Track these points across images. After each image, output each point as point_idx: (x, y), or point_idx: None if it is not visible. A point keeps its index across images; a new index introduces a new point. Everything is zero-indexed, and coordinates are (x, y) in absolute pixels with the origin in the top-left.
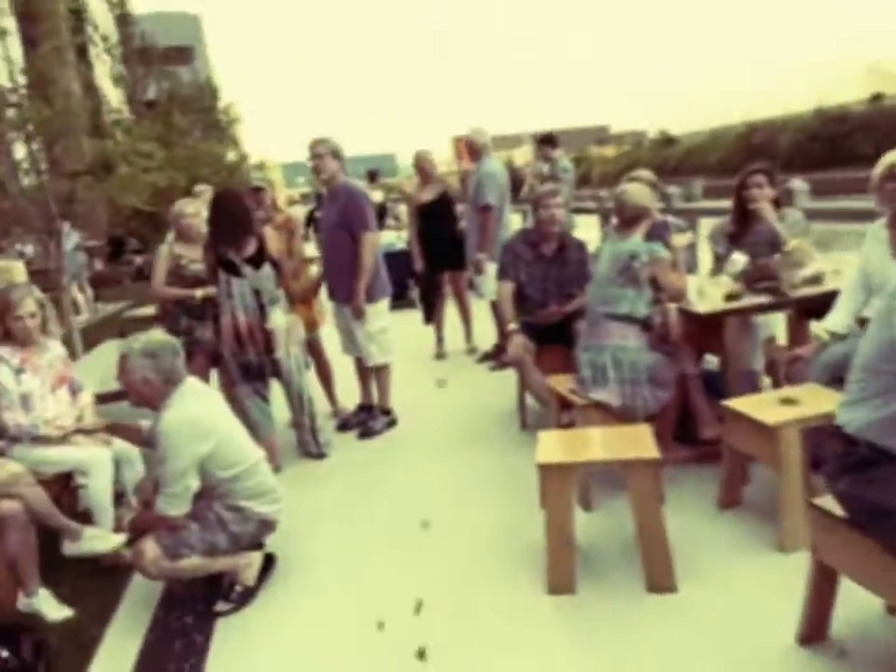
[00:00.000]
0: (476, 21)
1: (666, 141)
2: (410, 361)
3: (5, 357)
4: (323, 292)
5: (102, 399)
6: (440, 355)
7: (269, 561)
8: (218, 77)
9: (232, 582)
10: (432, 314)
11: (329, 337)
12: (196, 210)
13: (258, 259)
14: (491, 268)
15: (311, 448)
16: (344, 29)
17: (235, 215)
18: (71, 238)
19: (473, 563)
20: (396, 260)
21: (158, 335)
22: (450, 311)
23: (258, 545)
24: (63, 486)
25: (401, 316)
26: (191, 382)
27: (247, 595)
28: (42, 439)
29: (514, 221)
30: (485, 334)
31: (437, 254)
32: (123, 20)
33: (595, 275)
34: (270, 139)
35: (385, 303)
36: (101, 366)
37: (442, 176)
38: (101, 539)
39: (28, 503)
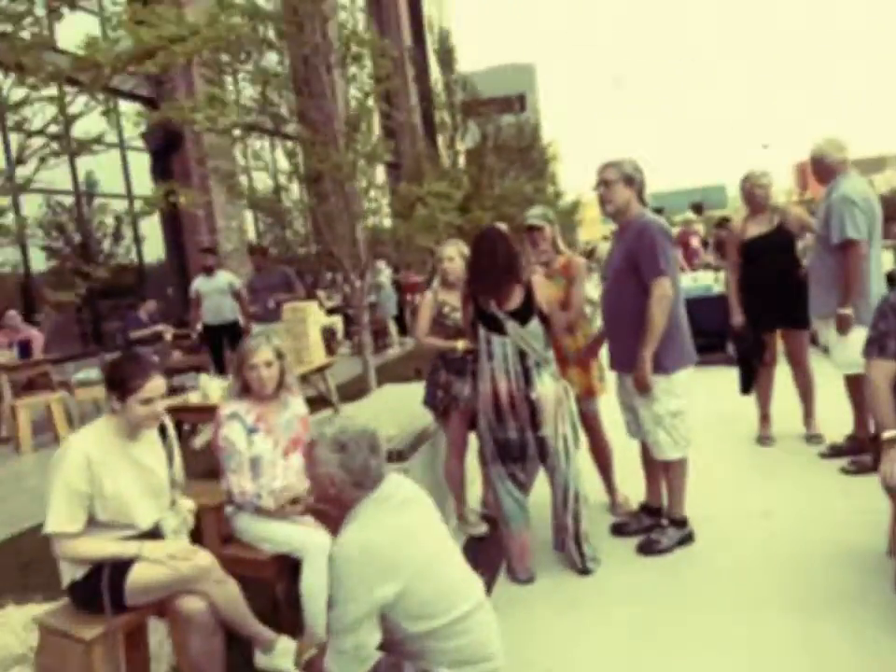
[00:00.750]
0: (823, 27)
1: None
2: (720, 444)
3: (240, 413)
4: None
5: None
6: (764, 439)
7: None
8: (543, 118)
9: None
10: (752, 382)
11: (610, 407)
12: (455, 252)
13: (524, 313)
14: (855, 332)
15: (572, 558)
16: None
17: (498, 259)
18: (383, 274)
19: None
20: (712, 306)
21: (358, 421)
22: (781, 379)
23: None
24: (280, 570)
25: (713, 376)
26: (392, 485)
27: None
28: (263, 511)
29: (887, 261)
30: (835, 416)
31: (766, 305)
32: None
33: None
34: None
35: (683, 376)
36: (366, 414)
37: (782, 206)
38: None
39: (215, 603)
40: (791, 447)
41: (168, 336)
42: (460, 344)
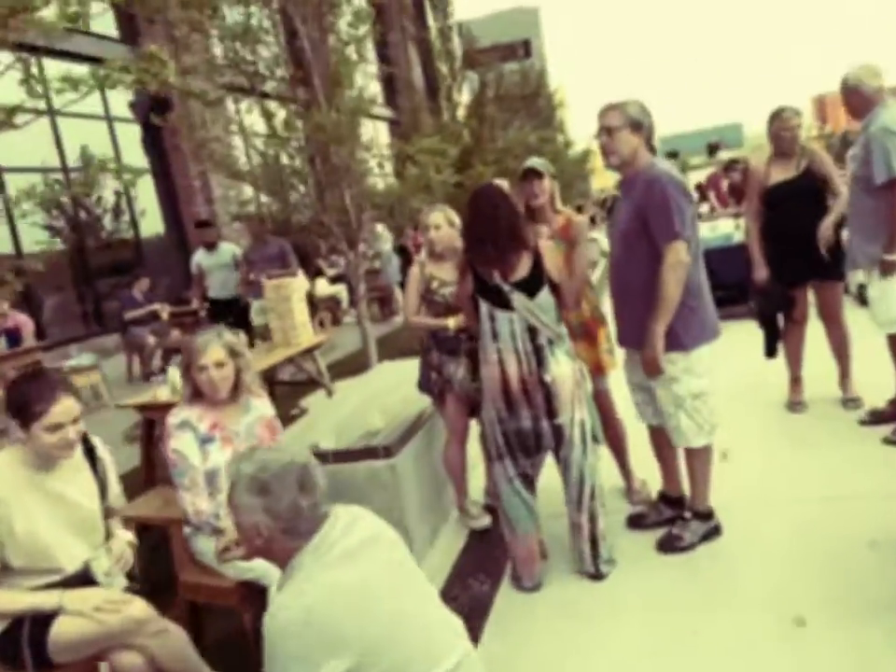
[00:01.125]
0: None
1: None
2: (745, 412)
3: (191, 421)
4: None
5: (337, 457)
6: (795, 405)
7: None
8: (550, 65)
9: None
10: (775, 343)
11: (621, 383)
12: (442, 219)
13: (533, 283)
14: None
15: (584, 563)
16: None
17: (500, 221)
18: (383, 237)
19: None
20: (733, 256)
21: (284, 453)
22: (812, 336)
23: None
24: (244, 597)
25: (735, 332)
26: (337, 530)
27: None
28: (223, 532)
29: None
30: (875, 377)
31: (795, 256)
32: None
33: None
34: None
35: (705, 352)
36: (360, 395)
37: (810, 147)
38: None
39: (156, 656)
40: (826, 413)
41: (164, 314)
42: (451, 322)
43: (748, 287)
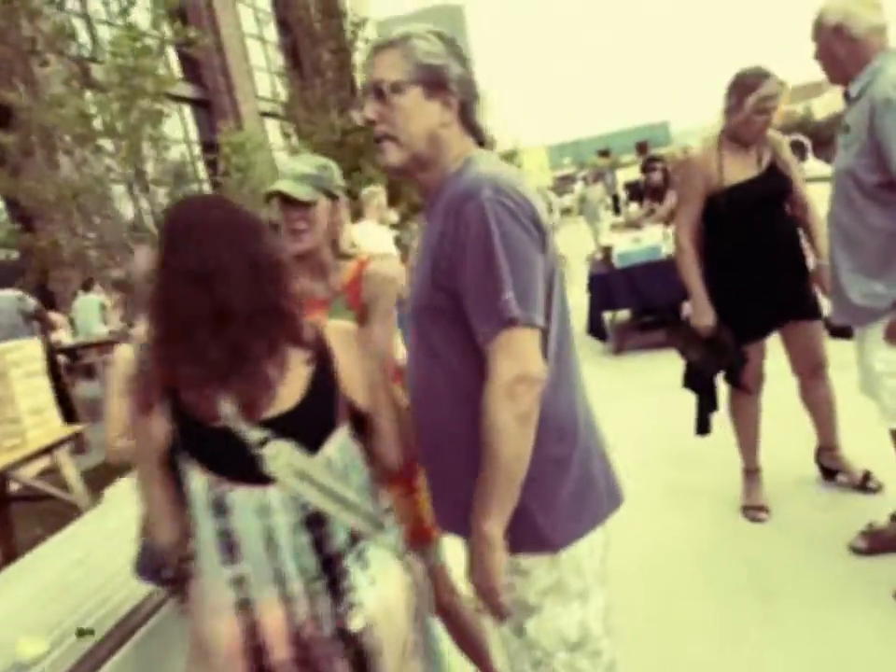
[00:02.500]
0: None
1: None
2: (676, 521)
3: None
4: None
5: None
6: (753, 510)
7: None
8: (474, 65)
9: None
10: (708, 416)
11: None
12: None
13: (312, 420)
14: None
15: None
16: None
17: (234, 285)
18: None
19: None
20: (661, 273)
21: None
22: (772, 406)
23: None
24: None
25: (663, 369)
26: None
27: None
28: None
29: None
30: (858, 446)
31: (753, 292)
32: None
33: None
34: (533, 122)
35: (588, 549)
36: (92, 539)
37: (775, 137)
38: None
39: None
40: (806, 525)
41: None
42: None
43: (681, 311)
